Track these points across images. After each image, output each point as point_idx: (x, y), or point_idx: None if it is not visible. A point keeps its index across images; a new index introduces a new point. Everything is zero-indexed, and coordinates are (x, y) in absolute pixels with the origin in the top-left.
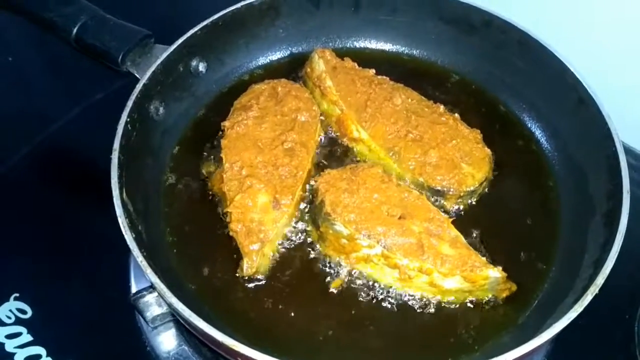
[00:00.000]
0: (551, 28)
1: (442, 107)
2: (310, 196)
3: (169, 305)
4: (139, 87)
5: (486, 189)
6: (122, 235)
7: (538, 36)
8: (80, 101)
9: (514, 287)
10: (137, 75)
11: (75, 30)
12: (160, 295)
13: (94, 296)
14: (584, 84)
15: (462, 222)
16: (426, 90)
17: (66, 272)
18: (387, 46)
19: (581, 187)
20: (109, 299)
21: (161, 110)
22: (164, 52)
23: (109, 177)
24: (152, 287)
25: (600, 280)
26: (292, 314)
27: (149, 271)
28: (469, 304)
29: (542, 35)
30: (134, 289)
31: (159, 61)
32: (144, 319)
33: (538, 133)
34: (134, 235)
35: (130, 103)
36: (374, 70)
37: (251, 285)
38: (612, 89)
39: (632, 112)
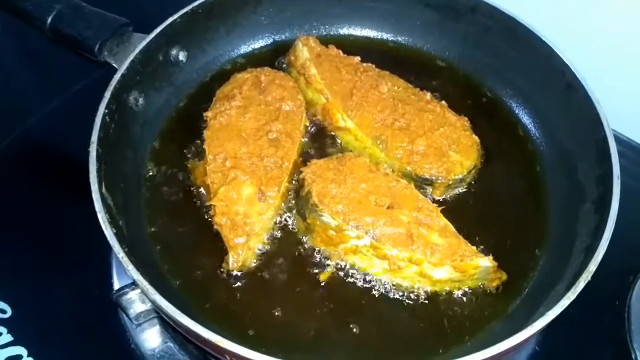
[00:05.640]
0: (538, 13)
1: (428, 95)
2: (297, 187)
3: (152, 302)
4: (117, 77)
5: (475, 177)
6: (103, 231)
7: (525, 21)
8: (58, 93)
9: (505, 277)
10: (115, 65)
11: (50, 20)
12: (143, 292)
13: (76, 293)
14: (573, 69)
15: (451, 210)
16: (412, 77)
17: (46, 269)
18: (372, 33)
19: (570, 173)
20: (91, 297)
21: (141, 100)
22: (143, 41)
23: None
24: (134, 284)
25: (592, 267)
26: (280, 308)
27: (130, 267)
28: (459, 294)
29: (529, 20)
30: (116, 286)
31: (137, 50)
32: (128, 316)
33: (526, 119)
34: (114, 231)
35: (108, 94)
36: (359, 58)
37: (237, 279)
38: (601, 76)
39: (621, 99)
